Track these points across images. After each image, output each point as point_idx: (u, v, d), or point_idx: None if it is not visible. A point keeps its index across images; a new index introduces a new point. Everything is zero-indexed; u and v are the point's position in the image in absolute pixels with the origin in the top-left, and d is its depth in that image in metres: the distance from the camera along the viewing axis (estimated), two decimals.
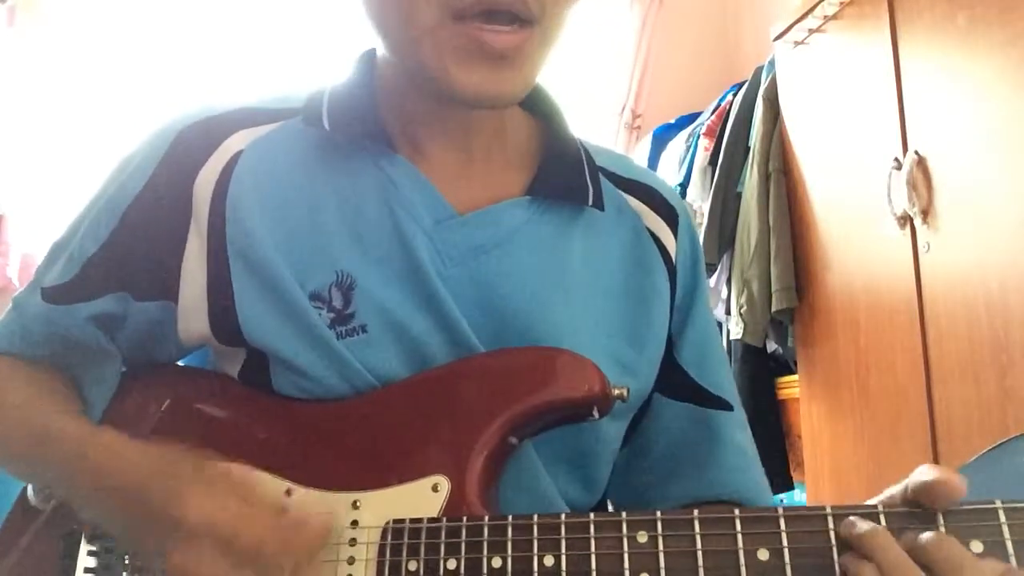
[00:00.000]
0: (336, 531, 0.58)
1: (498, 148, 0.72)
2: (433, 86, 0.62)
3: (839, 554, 0.50)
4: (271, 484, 0.61)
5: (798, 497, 2.14)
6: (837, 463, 1.91)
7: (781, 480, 2.11)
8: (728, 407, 0.76)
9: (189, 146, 0.68)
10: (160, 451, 0.60)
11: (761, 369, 2.17)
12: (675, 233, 0.76)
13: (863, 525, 0.49)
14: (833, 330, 1.91)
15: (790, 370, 2.14)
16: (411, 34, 0.61)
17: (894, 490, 0.52)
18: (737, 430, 0.76)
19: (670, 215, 0.77)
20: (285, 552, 0.53)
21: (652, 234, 0.75)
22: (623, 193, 0.76)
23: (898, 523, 0.50)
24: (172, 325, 0.68)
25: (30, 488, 0.70)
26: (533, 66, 0.63)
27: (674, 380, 0.75)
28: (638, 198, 0.76)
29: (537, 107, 0.76)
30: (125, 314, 0.69)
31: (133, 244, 0.68)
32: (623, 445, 0.75)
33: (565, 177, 0.72)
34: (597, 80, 2.92)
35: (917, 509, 0.50)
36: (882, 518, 0.50)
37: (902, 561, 0.48)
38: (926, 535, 0.48)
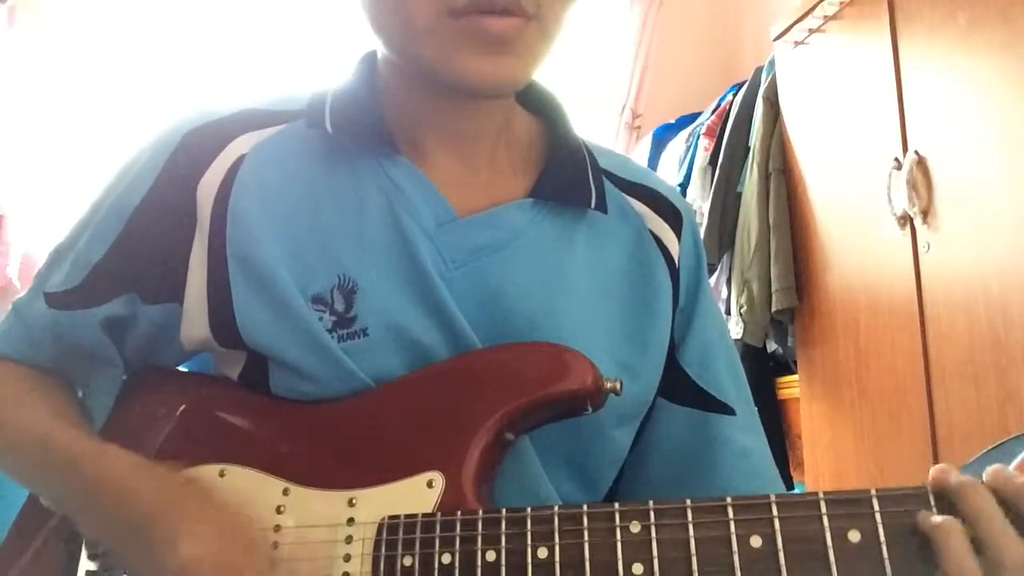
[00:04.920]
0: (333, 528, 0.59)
1: (502, 150, 0.72)
2: (435, 79, 0.63)
3: (832, 539, 0.50)
4: (270, 489, 0.62)
5: None
6: (837, 463, 1.91)
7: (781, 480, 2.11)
8: (730, 411, 0.75)
9: (193, 150, 0.68)
10: (165, 484, 0.61)
11: (761, 369, 2.18)
12: (678, 235, 0.76)
13: (954, 477, 0.50)
14: (833, 330, 1.91)
15: (790, 370, 2.14)
16: (409, 33, 0.61)
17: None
18: (741, 434, 0.75)
19: (673, 217, 0.77)
20: None
21: (655, 236, 0.75)
22: (626, 195, 0.76)
23: (893, 506, 0.50)
24: (176, 329, 0.68)
25: None
26: (532, 56, 0.62)
27: (677, 384, 0.75)
28: (641, 200, 0.76)
29: (541, 108, 0.76)
30: (134, 317, 0.69)
31: (140, 247, 0.68)
32: (631, 451, 0.74)
33: (568, 179, 0.72)
34: (597, 80, 2.92)
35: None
36: (875, 501, 0.50)
37: (996, 512, 0.48)
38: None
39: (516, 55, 0.61)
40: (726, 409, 0.75)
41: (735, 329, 2.10)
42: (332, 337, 0.64)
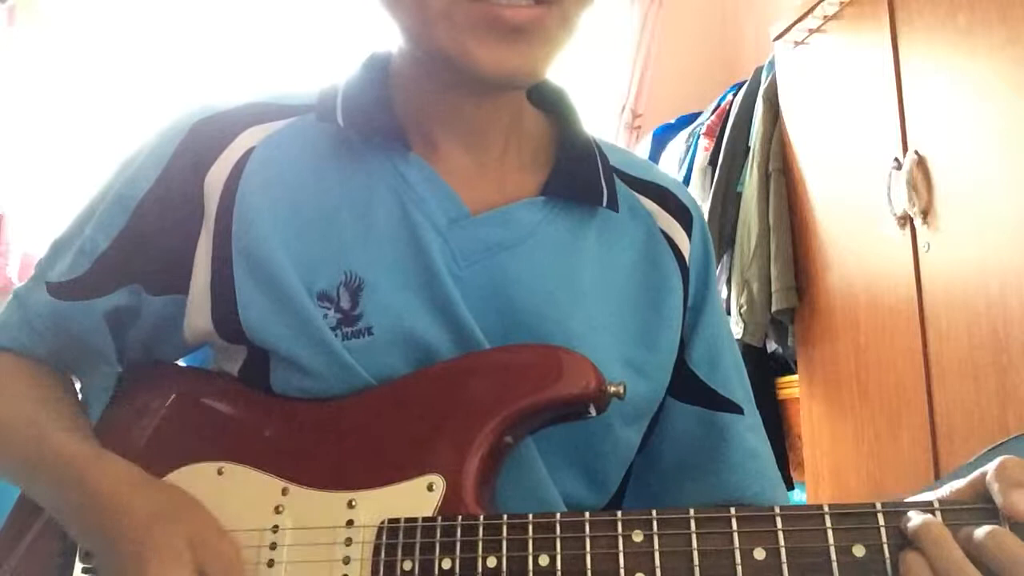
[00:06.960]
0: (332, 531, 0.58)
1: (513, 147, 0.72)
2: (451, 67, 0.62)
3: (836, 553, 0.49)
4: (269, 488, 0.61)
5: (798, 497, 2.14)
6: (837, 463, 1.91)
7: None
8: (738, 410, 0.75)
9: (202, 141, 0.67)
10: (147, 501, 0.59)
11: (761, 369, 2.17)
12: (688, 234, 0.76)
13: (916, 518, 0.48)
14: (833, 330, 1.91)
15: (790, 370, 2.14)
16: (426, 16, 0.60)
17: (958, 484, 0.51)
18: (748, 433, 0.74)
19: (684, 216, 0.76)
20: None
21: (665, 235, 0.74)
22: (637, 194, 0.76)
23: (897, 520, 0.49)
24: (179, 321, 0.68)
25: None
26: (551, 45, 0.62)
27: (685, 382, 0.74)
28: (652, 199, 0.76)
29: (552, 106, 0.76)
30: (138, 308, 0.69)
31: (145, 238, 0.67)
32: (639, 451, 0.74)
33: (580, 177, 0.71)
34: (597, 80, 2.92)
35: (977, 506, 0.49)
36: (880, 516, 0.49)
37: (956, 557, 0.46)
38: (981, 530, 0.46)
39: (534, 44, 0.60)
40: (735, 408, 0.75)
41: (735, 329, 2.10)
42: (336, 335, 0.63)
